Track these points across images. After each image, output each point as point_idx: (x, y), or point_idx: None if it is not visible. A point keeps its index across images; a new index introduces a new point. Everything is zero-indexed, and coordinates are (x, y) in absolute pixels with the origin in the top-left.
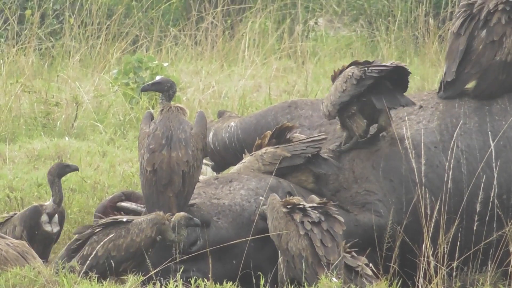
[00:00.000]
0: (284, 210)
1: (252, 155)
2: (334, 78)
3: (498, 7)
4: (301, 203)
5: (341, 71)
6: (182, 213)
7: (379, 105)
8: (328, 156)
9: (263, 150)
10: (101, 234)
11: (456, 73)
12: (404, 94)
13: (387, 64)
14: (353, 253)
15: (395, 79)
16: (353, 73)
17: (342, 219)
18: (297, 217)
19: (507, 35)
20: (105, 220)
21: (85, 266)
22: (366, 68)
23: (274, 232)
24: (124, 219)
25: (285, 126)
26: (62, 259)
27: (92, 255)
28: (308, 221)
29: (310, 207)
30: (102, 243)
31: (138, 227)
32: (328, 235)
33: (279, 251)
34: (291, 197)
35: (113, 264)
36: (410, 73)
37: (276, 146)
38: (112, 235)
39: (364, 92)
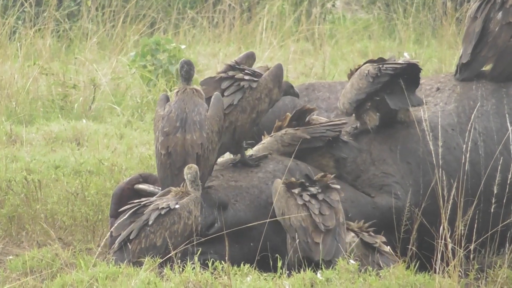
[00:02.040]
0: (283, 188)
1: (271, 136)
2: (350, 76)
3: None
4: (300, 180)
5: (356, 69)
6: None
7: (392, 105)
8: (349, 139)
9: (283, 131)
10: (155, 225)
11: (471, 55)
12: (419, 85)
13: (401, 62)
14: (371, 232)
15: (408, 75)
16: (368, 70)
17: (339, 187)
18: (296, 190)
19: None
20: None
21: (147, 259)
22: (381, 66)
23: (278, 212)
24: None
25: (305, 108)
26: (114, 253)
27: (151, 246)
28: (307, 194)
29: (309, 182)
30: (158, 233)
31: (187, 210)
32: (325, 204)
33: (286, 231)
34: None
35: (172, 250)
36: (422, 69)
37: (296, 128)
38: (166, 223)
39: (378, 90)
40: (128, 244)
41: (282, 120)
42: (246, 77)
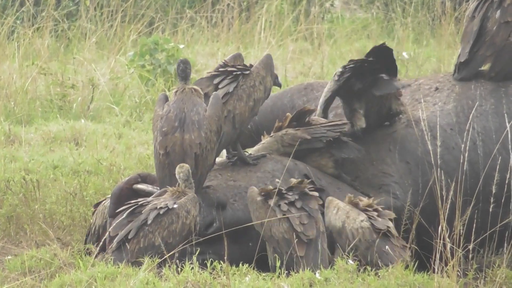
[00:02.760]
0: (260, 198)
1: (271, 136)
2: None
3: None
4: (276, 189)
5: None
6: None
7: (377, 92)
8: (348, 139)
9: (283, 131)
10: (153, 224)
11: (469, 54)
12: (397, 68)
13: (364, 58)
14: (382, 211)
15: (384, 63)
16: (335, 72)
17: (317, 194)
18: (271, 201)
19: None
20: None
21: (146, 259)
22: (346, 64)
23: (257, 223)
24: (172, 205)
25: (306, 109)
26: (112, 253)
27: (150, 246)
28: (285, 203)
29: (286, 189)
30: (157, 232)
31: (185, 210)
32: (304, 213)
33: (266, 241)
34: (266, 186)
35: (170, 250)
36: (391, 49)
37: (297, 128)
38: (164, 223)
39: (366, 88)
40: (127, 243)
41: (282, 120)
42: (238, 67)
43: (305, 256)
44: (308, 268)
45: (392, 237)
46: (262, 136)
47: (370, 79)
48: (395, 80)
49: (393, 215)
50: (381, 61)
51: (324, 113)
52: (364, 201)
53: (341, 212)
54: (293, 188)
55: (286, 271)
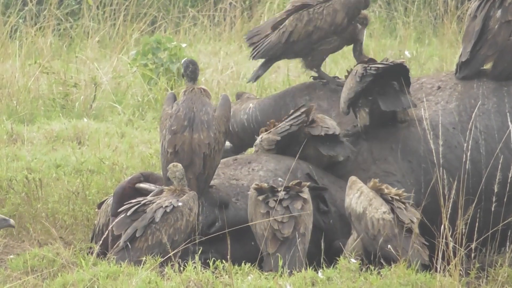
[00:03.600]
0: (253, 194)
1: (255, 145)
2: (346, 77)
3: None
4: (271, 186)
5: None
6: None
7: (384, 107)
8: (344, 139)
9: (259, 138)
10: (160, 222)
11: (471, 53)
12: (410, 84)
13: (386, 62)
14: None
15: (399, 75)
16: (357, 71)
17: (307, 196)
18: (261, 197)
19: None
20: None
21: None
22: (367, 66)
23: (249, 218)
24: (177, 204)
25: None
26: (118, 252)
27: (157, 244)
28: (274, 200)
29: (281, 188)
30: (163, 230)
31: (188, 207)
32: (287, 212)
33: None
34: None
35: (175, 247)
36: (409, 69)
37: (268, 132)
38: (170, 221)
39: (372, 91)
40: (134, 242)
41: (268, 125)
42: None
43: (275, 253)
44: (281, 267)
45: (414, 234)
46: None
47: (381, 82)
48: (404, 95)
49: (418, 215)
50: (398, 74)
51: (348, 109)
52: (391, 190)
53: (364, 197)
54: (289, 188)
55: (288, 270)
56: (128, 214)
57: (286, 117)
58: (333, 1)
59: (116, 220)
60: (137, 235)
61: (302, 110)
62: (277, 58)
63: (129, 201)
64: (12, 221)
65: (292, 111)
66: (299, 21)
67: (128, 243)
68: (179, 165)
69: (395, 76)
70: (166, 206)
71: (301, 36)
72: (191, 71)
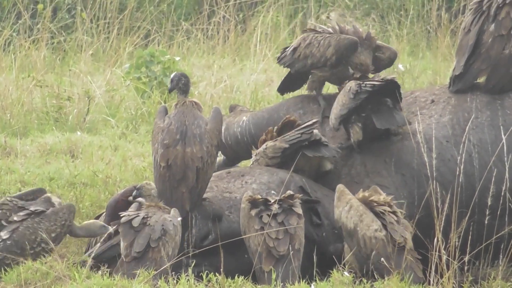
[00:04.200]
0: (246, 206)
1: (257, 153)
2: (338, 93)
3: (506, 1)
4: (264, 198)
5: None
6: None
7: (379, 125)
8: (325, 142)
9: (264, 146)
10: (168, 235)
11: (464, 67)
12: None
13: (379, 79)
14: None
15: (390, 91)
16: (350, 87)
17: (300, 212)
18: (254, 212)
19: None
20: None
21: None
22: (361, 83)
23: (241, 230)
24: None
25: (286, 121)
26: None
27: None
28: (267, 215)
29: (275, 201)
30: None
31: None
32: (281, 227)
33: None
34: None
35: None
36: (400, 86)
37: (275, 139)
38: (173, 234)
39: (365, 108)
40: (147, 252)
41: (266, 133)
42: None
43: (271, 271)
44: (275, 280)
45: (407, 249)
46: (252, 151)
47: (373, 98)
48: (397, 112)
49: (410, 227)
50: (390, 90)
51: (340, 125)
52: (380, 198)
53: (354, 212)
54: (281, 201)
55: (282, 283)
56: (134, 225)
57: (295, 128)
58: (333, 36)
59: (121, 230)
60: (152, 246)
61: (315, 120)
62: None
63: (123, 213)
64: (110, 228)
65: (303, 122)
66: (303, 41)
67: (139, 253)
68: (151, 182)
69: (387, 92)
70: (171, 220)
71: (301, 56)
72: (184, 84)
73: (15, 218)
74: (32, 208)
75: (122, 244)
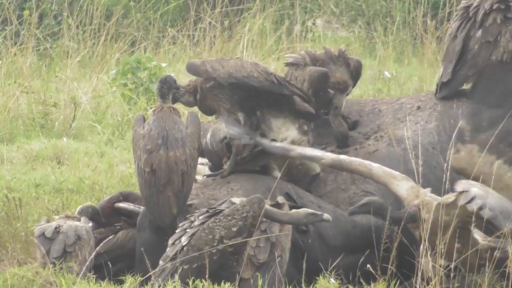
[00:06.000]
0: None
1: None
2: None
3: (493, 7)
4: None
5: None
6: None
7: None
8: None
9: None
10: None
11: (452, 74)
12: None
13: None
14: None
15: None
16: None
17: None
18: None
19: (502, 34)
20: None
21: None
22: None
23: None
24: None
25: None
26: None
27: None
28: None
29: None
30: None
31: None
32: (263, 235)
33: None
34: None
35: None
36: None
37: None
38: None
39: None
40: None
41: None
42: None
43: (252, 278)
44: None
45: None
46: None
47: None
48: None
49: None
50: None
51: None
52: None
53: None
54: None
55: None
56: (47, 235)
57: None
58: (306, 69)
59: (36, 243)
60: (68, 250)
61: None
62: None
63: (34, 226)
64: (326, 215)
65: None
66: (288, 73)
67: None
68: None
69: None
70: (82, 226)
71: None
72: (158, 89)
73: None
74: None
75: (38, 255)
